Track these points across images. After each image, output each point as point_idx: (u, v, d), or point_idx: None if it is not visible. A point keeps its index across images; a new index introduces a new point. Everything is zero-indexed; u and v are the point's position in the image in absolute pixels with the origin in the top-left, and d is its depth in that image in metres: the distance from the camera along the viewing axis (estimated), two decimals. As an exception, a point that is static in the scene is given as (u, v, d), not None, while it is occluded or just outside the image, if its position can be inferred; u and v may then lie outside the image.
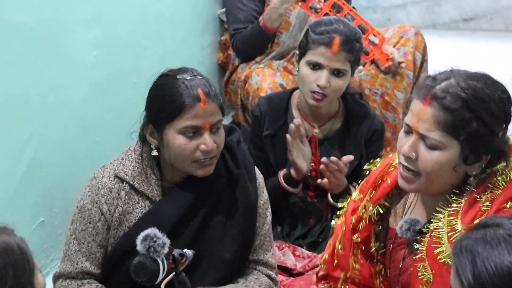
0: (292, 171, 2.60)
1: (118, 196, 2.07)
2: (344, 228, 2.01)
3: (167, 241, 1.76)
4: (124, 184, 2.08)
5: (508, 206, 1.70)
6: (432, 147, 1.72)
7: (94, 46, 2.51)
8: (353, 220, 1.98)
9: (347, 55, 2.51)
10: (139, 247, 1.75)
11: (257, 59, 3.27)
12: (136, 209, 2.08)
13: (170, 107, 1.98)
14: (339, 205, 2.13)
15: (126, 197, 2.08)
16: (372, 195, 1.96)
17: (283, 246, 2.62)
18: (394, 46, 3.36)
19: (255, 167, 2.23)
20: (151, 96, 2.05)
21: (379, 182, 1.96)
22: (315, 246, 2.70)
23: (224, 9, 3.41)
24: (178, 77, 2.01)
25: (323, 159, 2.51)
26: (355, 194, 2.04)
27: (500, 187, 1.72)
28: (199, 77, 2.02)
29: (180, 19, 3.14)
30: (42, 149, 2.31)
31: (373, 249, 1.99)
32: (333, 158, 2.50)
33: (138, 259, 1.75)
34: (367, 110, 2.70)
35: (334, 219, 2.16)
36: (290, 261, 2.56)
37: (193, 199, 2.08)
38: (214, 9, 3.42)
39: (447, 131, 1.69)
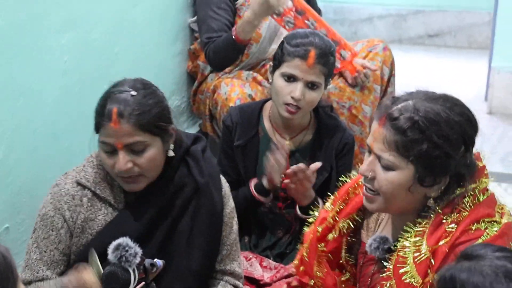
0: (264, 181, 2.61)
1: (81, 203, 2.05)
2: (311, 237, 2.03)
3: (139, 251, 1.76)
4: (86, 190, 2.06)
5: (473, 228, 1.70)
6: (387, 168, 1.73)
7: (66, 51, 2.49)
8: (320, 230, 1.99)
9: (322, 68, 2.53)
10: (111, 256, 1.74)
11: (227, 69, 3.27)
12: (98, 216, 2.06)
13: (95, 119, 1.99)
14: (312, 213, 2.15)
15: (89, 203, 2.06)
16: (341, 207, 1.97)
17: (250, 256, 2.62)
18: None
19: (221, 176, 2.22)
20: None
21: (352, 196, 1.97)
22: (282, 257, 2.70)
23: (195, 18, 3.40)
24: (113, 90, 1.99)
25: (292, 166, 2.51)
26: (327, 204, 2.05)
27: (467, 209, 1.73)
28: (132, 92, 1.97)
29: (153, 27, 3.14)
30: (11, 153, 2.28)
31: (343, 259, 2.00)
32: (301, 165, 2.50)
33: (110, 268, 1.74)
34: (338, 123, 2.72)
35: (304, 231, 2.17)
36: (257, 272, 2.56)
37: (157, 209, 2.06)
38: (185, 17, 3.42)
39: (399, 152, 1.71)
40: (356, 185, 1.97)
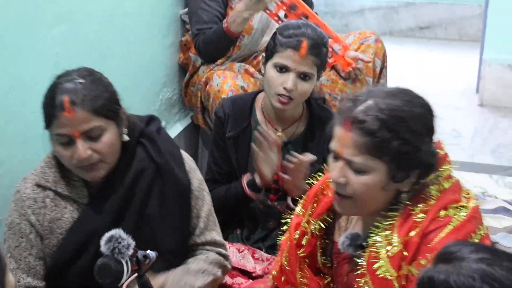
0: (257, 178, 2.61)
1: (44, 205, 2.05)
2: (288, 244, 2.01)
3: (132, 243, 1.75)
4: (47, 191, 2.06)
5: (442, 215, 1.71)
6: (359, 171, 1.72)
7: (57, 44, 2.47)
8: (297, 235, 1.98)
9: (314, 59, 2.53)
10: (103, 248, 1.74)
11: (218, 61, 3.27)
12: (65, 214, 2.06)
13: (45, 114, 1.96)
14: (283, 220, 2.13)
15: (52, 204, 2.06)
16: (313, 209, 1.97)
17: (243, 248, 2.63)
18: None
19: (183, 152, 2.21)
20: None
21: (320, 197, 1.96)
22: (274, 249, 2.70)
23: (186, 10, 3.39)
24: (59, 80, 1.97)
25: (294, 159, 2.51)
26: (298, 209, 2.03)
27: (434, 197, 1.74)
28: (81, 80, 1.96)
29: (144, 19, 3.12)
30: (2, 146, 2.27)
31: (319, 263, 2.00)
32: (298, 155, 2.51)
33: (102, 260, 1.73)
34: (331, 115, 2.70)
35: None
36: (249, 264, 2.57)
37: (122, 197, 2.06)
38: (176, 9, 3.40)
39: (371, 154, 1.69)
40: (324, 186, 1.96)
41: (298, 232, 1.98)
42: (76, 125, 1.93)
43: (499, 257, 1.27)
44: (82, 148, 1.94)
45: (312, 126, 2.69)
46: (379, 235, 1.75)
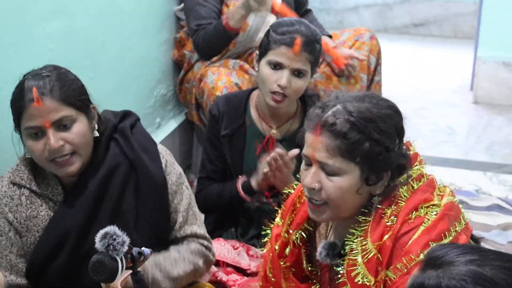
0: (253, 182, 2.60)
1: (20, 202, 2.05)
2: (271, 255, 2.00)
3: (127, 240, 1.74)
4: (23, 189, 2.06)
5: (413, 216, 1.70)
6: (333, 174, 1.72)
7: (52, 40, 2.47)
8: (277, 247, 1.98)
9: (308, 55, 2.52)
10: (98, 245, 1.73)
11: (213, 58, 3.26)
12: (41, 212, 2.06)
13: (14, 109, 1.96)
14: (263, 232, 2.12)
15: (28, 201, 2.06)
16: (291, 219, 1.96)
17: (238, 245, 2.63)
18: (349, 49, 3.40)
19: (160, 146, 2.19)
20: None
21: (298, 205, 1.95)
22: (269, 245, 2.71)
23: (181, 6, 3.39)
24: (24, 78, 1.97)
25: (271, 154, 2.50)
26: (277, 219, 2.03)
27: (404, 199, 1.73)
28: (45, 73, 1.96)
29: (139, 15, 3.12)
30: (-4, 142, 2.27)
31: (306, 271, 1.99)
32: (278, 150, 2.50)
33: (97, 257, 1.72)
34: (325, 111, 2.72)
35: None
36: (244, 261, 2.57)
37: (96, 193, 2.06)
38: (171, 6, 3.40)
39: (343, 156, 1.69)
40: (301, 194, 1.95)
41: (278, 243, 1.97)
42: (45, 115, 1.92)
43: (487, 257, 1.26)
44: (54, 138, 1.93)
45: (306, 123, 2.68)
46: (354, 242, 1.74)
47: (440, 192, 1.78)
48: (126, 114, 2.17)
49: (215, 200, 2.68)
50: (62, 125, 1.95)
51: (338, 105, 1.72)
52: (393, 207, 1.72)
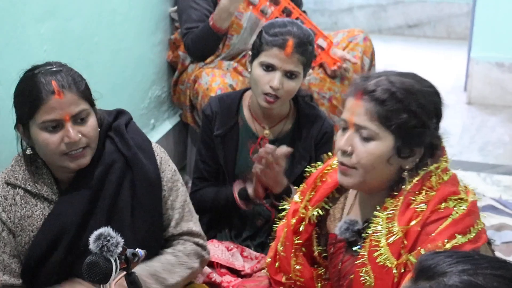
0: (249, 189, 2.60)
1: (14, 202, 2.06)
2: (285, 230, 2.03)
3: (121, 241, 1.74)
4: (17, 189, 2.07)
5: (442, 207, 1.76)
6: (367, 138, 1.77)
7: (45, 41, 2.47)
8: (294, 222, 2.00)
9: (300, 57, 2.53)
10: (92, 246, 1.72)
11: (207, 60, 3.27)
12: (35, 211, 2.07)
13: (28, 103, 1.96)
14: (281, 207, 2.15)
15: (22, 201, 2.06)
16: (311, 195, 2.00)
17: (232, 247, 2.63)
18: (343, 50, 3.41)
19: (155, 144, 2.22)
20: (14, 93, 2.02)
21: (319, 184, 2.00)
22: (263, 247, 2.71)
23: (175, 8, 3.39)
24: (36, 71, 1.98)
25: (260, 150, 2.50)
26: (296, 196, 2.06)
27: (434, 188, 1.78)
28: (58, 68, 1.99)
29: (133, 16, 3.12)
30: (-10, 144, 2.27)
31: (315, 252, 2.02)
32: (268, 145, 2.50)
33: (91, 258, 1.72)
34: (317, 112, 2.73)
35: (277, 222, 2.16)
36: (238, 262, 2.57)
37: (91, 192, 2.07)
38: (165, 7, 3.40)
39: (380, 122, 1.75)
40: (324, 173, 2.00)
41: (295, 218, 2.00)
42: (66, 107, 1.95)
43: (479, 265, 1.26)
44: (74, 131, 1.96)
45: (299, 124, 2.69)
46: (379, 224, 1.78)
47: (464, 188, 1.84)
48: (119, 113, 2.19)
49: (210, 203, 2.69)
50: (79, 119, 1.98)
51: (382, 76, 1.79)
52: (423, 195, 1.77)
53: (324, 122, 2.71)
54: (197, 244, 2.22)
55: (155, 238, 2.16)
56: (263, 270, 2.46)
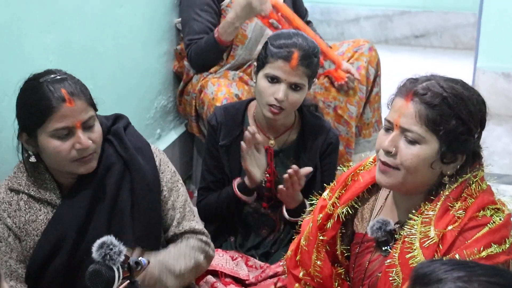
0: (246, 180, 2.61)
1: (18, 207, 2.09)
2: (311, 225, 2.04)
3: (124, 249, 1.75)
4: (21, 195, 2.10)
5: (480, 214, 1.77)
6: (413, 141, 1.78)
7: (51, 51, 2.49)
8: (320, 218, 2.01)
9: (305, 69, 2.53)
10: (95, 254, 1.74)
11: (212, 70, 3.28)
12: (39, 216, 2.10)
13: (37, 112, 1.99)
14: (309, 202, 2.16)
15: (26, 206, 2.09)
16: (341, 193, 2.00)
17: (236, 256, 2.63)
18: (348, 61, 3.42)
19: (153, 146, 2.24)
20: (18, 103, 2.05)
21: (350, 183, 2.01)
22: (268, 256, 2.71)
23: (180, 19, 3.41)
24: (41, 80, 2.01)
25: (289, 170, 2.51)
26: (325, 193, 2.07)
27: (473, 196, 1.79)
28: (63, 76, 2.02)
29: (139, 27, 3.13)
30: (-5, 153, 2.28)
31: (338, 251, 2.03)
32: (294, 166, 2.51)
33: (94, 266, 1.74)
34: (322, 123, 2.73)
35: (292, 232, 2.17)
36: (243, 271, 2.57)
37: (91, 195, 2.10)
38: (171, 18, 3.42)
39: (428, 126, 1.76)
40: (356, 172, 2.01)
41: (322, 214, 2.01)
42: (77, 115, 1.99)
43: (474, 272, 1.27)
44: (85, 138, 2.00)
45: (304, 135, 2.69)
46: (415, 227, 1.79)
47: (498, 199, 1.85)
48: (117, 117, 2.22)
49: (214, 206, 2.70)
50: (88, 125, 2.02)
51: (432, 80, 1.79)
52: (462, 201, 1.78)
53: (329, 133, 2.71)
54: (200, 240, 2.24)
55: (154, 238, 2.18)
56: (270, 279, 2.47)
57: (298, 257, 2.08)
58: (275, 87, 2.54)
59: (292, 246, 2.14)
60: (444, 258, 1.69)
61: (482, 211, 1.77)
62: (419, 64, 5.60)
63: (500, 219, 1.76)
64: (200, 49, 3.15)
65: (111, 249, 1.73)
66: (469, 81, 4.87)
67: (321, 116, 2.79)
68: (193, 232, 2.23)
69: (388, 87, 3.73)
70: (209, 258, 2.27)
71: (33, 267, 2.09)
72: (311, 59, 2.54)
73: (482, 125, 1.83)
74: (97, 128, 2.06)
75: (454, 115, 1.75)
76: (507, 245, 1.75)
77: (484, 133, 4.55)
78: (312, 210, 2.09)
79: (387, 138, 1.81)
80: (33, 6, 2.39)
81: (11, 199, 2.09)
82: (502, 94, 4.60)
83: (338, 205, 1.99)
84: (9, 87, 2.31)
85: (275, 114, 2.56)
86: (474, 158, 1.83)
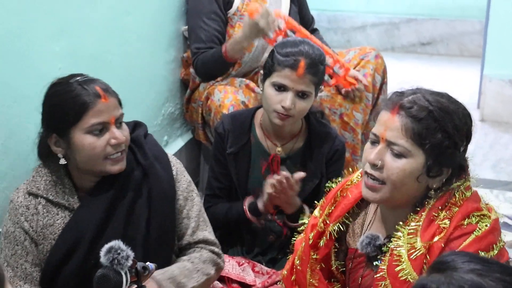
0: (259, 203, 2.61)
1: (36, 211, 2.11)
2: (303, 244, 2.04)
3: (131, 254, 1.77)
4: (39, 199, 2.12)
5: (465, 223, 1.77)
6: (399, 155, 1.78)
7: (60, 59, 2.51)
8: (311, 237, 2.01)
9: (312, 77, 2.55)
10: (103, 259, 1.76)
11: (218, 78, 3.29)
12: (57, 220, 2.12)
13: (72, 110, 2.03)
14: (300, 221, 2.17)
15: (44, 210, 2.12)
16: (330, 210, 2.00)
17: (243, 262, 2.64)
18: (354, 68, 3.42)
19: (171, 155, 2.27)
20: (48, 105, 2.09)
21: (339, 199, 2.01)
22: (274, 262, 2.72)
23: (187, 26, 3.43)
24: (71, 81, 2.06)
25: (275, 176, 2.51)
26: (316, 211, 2.07)
27: (457, 204, 1.79)
28: (91, 77, 2.09)
29: (146, 34, 3.15)
30: (5, 160, 2.30)
31: (333, 267, 2.03)
32: (284, 173, 2.51)
33: (102, 271, 1.75)
34: (329, 130, 2.74)
35: (294, 237, 2.18)
36: (249, 277, 2.58)
37: (110, 200, 2.12)
38: (178, 25, 3.43)
39: (414, 139, 1.76)
40: (344, 188, 2.01)
41: (313, 233, 2.01)
42: (111, 111, 2.06)
43: (491, 268, 1.29)
44: (119, 132, 2.06)
45: (310, 142, 2.71)
46: (401, 239, 1.79)
47: (485, 205, 1.85)
48: (137, 124, 2.26)
49: (222, 220, 2.71)
50: (119, 123, 2.08)
51: (418, 93, 1.79)
52: (446, 210, 1.78)
53: (335, 140, 2.72)
54: (213, 252, 2.26)
55: (167, 246, 2.20)
56: (277, 284, 2.47)
57: (293, 277, 2.08)
58: (282, 95, 2.55)
59: (287, 266, 2.14)
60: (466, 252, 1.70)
61: (467, 219, 1.77)
62: (426, 71, 5.62)
63: (486, 225, 1.76)
64: (206, 60, 3.16)
65: (119, 254, 1.75)
66: (476, 89, 4.89)
67: (327, 123, 2.80)
68: (206, 242, 2.25)
69: (394, 94, 3.75)
70: (219, 269, 2.30)
71: (47, 270, 2.11)
72: (317, 67, 2.55)
73: (467, 138, 1.83)
74: (126, 127, 2.12)
75: (440, 128, 1.75)
76: (495, 251, 1.75)
77: (491, 140, 4.56)
78: (304, 229, 2.09)
79: (373, 151, 1.81)
80: (42, 14, 2.41)
81: (29, 203, 2.11)
82: (509, 101, 4.60)
83: (329, 222, 1.98)
84: (19, 93, 2.33)
85: (283, 119, 2.57)
86: (460, 171, 1.82)
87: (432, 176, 1.79)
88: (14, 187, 2.29)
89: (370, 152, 1.82)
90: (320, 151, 2.69)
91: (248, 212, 2.64)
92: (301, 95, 2.56)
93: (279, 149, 2.70)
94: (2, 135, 2.28)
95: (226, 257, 2.60)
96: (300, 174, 2.52)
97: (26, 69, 2.36)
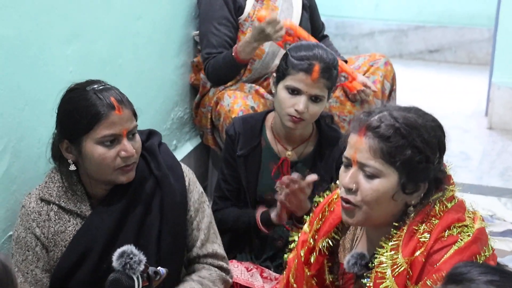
0: (273, 214, 2.60)
1: (48, 218, 2.11)
2: (296, 261, 2.03)
3: (143, 259, 1.78)
4: (51, 205, 2.12)
5: (446, 235, 1.73)
6: (371, 176, 1.75)
7: (71, 62, 2.51)
8: (303, 254, 2.00)
9: (326, 82, 2.55)
10: (115, 263, 1.76)
11: (228, 83, 3.30)
12: (68, 227, 2.12)
13: (85, 119, 2.02)
14: (291, 238, 2.15)
15: (56, 217, 2.12)
16: (319, 226, 1.98)
17: (251, 267, 2.64)
18: (364, 74, 3.43)
19: (184, 165, 2.26)
20: (63, 111, 2.08)
21: (327, 213, 1.98)
22: (283, 268, 2.71)
23: (198, 31, 3.43)
24: (88, 88, 2.04)
25: (284, 177, 2.50)
26: (305, 226, 2.05)
27: (438, 217, 1.76)
28: (108, 86, 2.07)
29: (157, 39, 3.16)
30: (16, 162, 2.30)
31: (327, 281, 2.01)
32: (294, 175, 2.51)
33: (114, 275, 1.76)
34: (339, 134, 2.73)
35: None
36: (258, 282, 2.58)
37: (122, 208, 2.12)
38: (189, 30, 3.44)
39: (383, 158, 1.73)
40: (331, 201, 1.98)
41: (304, 249, 2.00)
42: (124, 123, 2.04)
43: (508, 279, 1.28)
44: (129, 146, 2.04)
45: (320, 146, 2.71)
46: (384, 256, 1.77)
47: (471, 214, 1.82)
48: (151, 133, 2.25)
49: (231, 225, 2.71)
50: (131, 134, 2.07)
51: (384, 112, 1.78)
52: (426, 223, 1.75)
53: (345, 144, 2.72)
54: (221, 268, 2.26)
55: (177, 257, 2.19)
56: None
57: None
58: (295, 99, 2.55)
59: (281, 283, 2.13)
60: (481, 262, 1.68)
61: (447, 231, 1.73)
62: (434, 79, 5.62)
63: (468, 236, 1.72)
64: (217, 64, 3.17)
65: (131, 258, 1.76)
66: (484, 96, 4.89)
67: (337, 128, 2.80)
68: (215, 256, 2.25)
69: (402, 101, 3.75)
70: (227, 285, 2.30)
71: (58, 277, 2.11)
72: (331, 71, 2.56)
73: (441, 150, 1.80)
74: (138, 138, 2.10)
75: (409, 144, 1.73)
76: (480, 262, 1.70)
77: (499, 148, 4.56)
78: (295, 246, 2.08)
79: (347, 175, 1.79)
80: (55, 18, 2.42)
81: (41, 209, 2.11)
82: (517, 109, 4.60)
83: (318, 238, 1.97)
84: (30, 97, 2.34)
85: (296, 122, 2.57)
86: (437, 184, 1.80)
87: (408, 193, 1.77)
88: (25, 190, 2.29)
89: (344, 176, 1.80)
90: (330, 155, 2.69)
91: (260, 224, 2.63)
92: (314, 99, 2.56)
93: (289, 152, 2.70)
94: (14, 138, 2.28)
95: (234, 263, 2.60)
96: (313, 177, 2.50)
97: (38, 73, 2.37)
